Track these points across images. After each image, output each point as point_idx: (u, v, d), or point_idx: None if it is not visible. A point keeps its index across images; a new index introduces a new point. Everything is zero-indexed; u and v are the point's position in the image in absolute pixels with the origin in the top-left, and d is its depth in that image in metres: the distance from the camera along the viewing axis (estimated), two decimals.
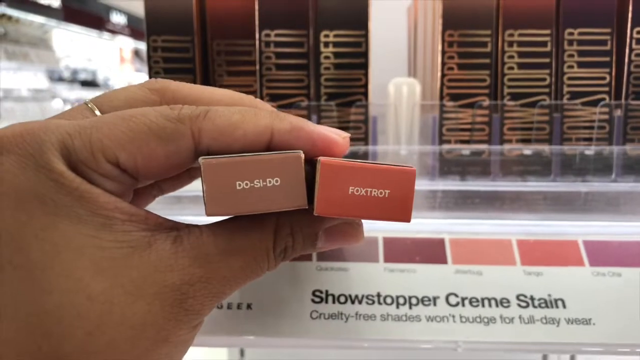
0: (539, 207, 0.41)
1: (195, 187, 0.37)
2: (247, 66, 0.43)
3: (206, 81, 0.43)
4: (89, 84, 3.23)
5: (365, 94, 0.43)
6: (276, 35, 0.42)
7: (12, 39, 2.28)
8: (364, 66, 0.43)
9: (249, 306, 0.35)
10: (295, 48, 0.42)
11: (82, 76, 3.17)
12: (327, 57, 0.43)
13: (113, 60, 3.48)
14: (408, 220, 0.23)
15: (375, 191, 0.22)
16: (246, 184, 0.20)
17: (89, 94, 3.30)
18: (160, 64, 0.43)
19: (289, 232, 0.24)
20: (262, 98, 0.43)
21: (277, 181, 0.20)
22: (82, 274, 0.19)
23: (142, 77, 4.00)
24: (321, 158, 0.21)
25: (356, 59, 0.43)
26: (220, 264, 0.21)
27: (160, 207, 0.41)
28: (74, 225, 0.19)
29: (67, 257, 0.19)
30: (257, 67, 0.43)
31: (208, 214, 0.20)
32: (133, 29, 3.56)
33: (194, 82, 0.43)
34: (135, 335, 0.19)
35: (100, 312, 0.19)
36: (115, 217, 0.20)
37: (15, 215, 0.18)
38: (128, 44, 3.59)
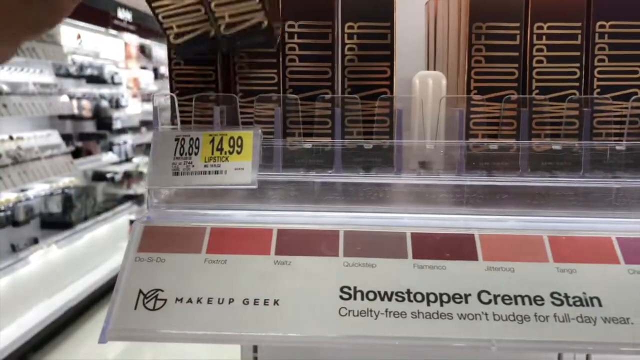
0: (570, 203, 0.40)
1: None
2: (268, 58, 0.42)
3: (227, 73, 0.43)
4: (95, 79, 3.23)
5: (390, 87, 0.42)
6: (300, 26, 0.42)
7: None
8: (389, 58, 0.42)
9: (276, 302, 0.34)
10: (319, 39, 0.42)
11: (89, 72, 3.16)
12: (351, 49, 0.42)
13: (119, 56, 3.47)
14: None
15: None
16: None
17: (95, 90, 3.29)
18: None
19: None
20: (284, 90, 0.42)
21: None
22: None
23: (148, 73, 3.99)
24: None
25: (381, 51, 0.42)
26: None
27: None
28: None
29: None
30: (280, 58, 0.42)
31: None
32: (139, 26, 3.56)
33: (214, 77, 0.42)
34: None
35: None
36: None
37: None
38: (134, 41, 3.59)
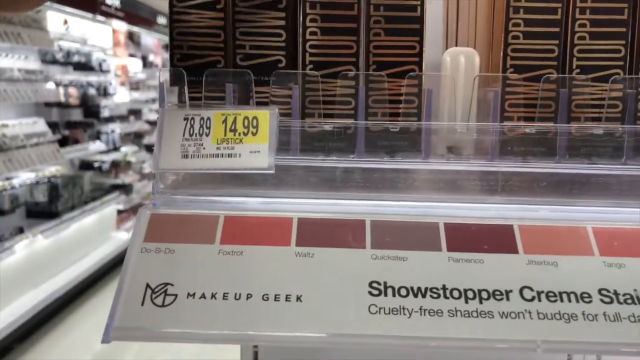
0: (613, 192, 0.37)
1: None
2: (275, 28, 0.38)
3: (232, 43, 0.39)
4: (83, 66, 3.15)
5: (419, 64, 0.39)
6: (322, 6, 0.38)
7: (5, 19, 2.20)
8: (419, 33, 0.38)
9: (298, 298, 0.31)
10: (343, 10, 0.38)
11: (76, 58, 3.08)
12: (377, 22, 0.38)
13: (107, 43, 3.39)
14: None
15: None
16: None
17: (82, 77, 3.21)
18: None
19: None
20: (304, 67, 0.39)
21: None
22: None
23: (136, 61, 3.91)
24: None
25: (410, 24, 0.38)
26: None
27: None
28: None
29: None
30: (300, 31, 0.38)
31: None
32: (128, 13, 3.47)
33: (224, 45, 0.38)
34: None
35: None
36: None
37: None
38: (122, 28, 3.50)
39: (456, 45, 0.51)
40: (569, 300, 0.31)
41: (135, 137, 3.69)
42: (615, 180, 0.37)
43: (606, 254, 0.33)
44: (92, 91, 3.21)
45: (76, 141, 3.07)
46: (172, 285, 0.31)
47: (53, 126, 2.82)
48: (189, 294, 0.31)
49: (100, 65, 3.31)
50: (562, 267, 0.33)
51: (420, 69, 0.39)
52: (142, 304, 0.31)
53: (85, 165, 3.11)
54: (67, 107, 3.03)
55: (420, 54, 0.38)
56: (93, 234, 2.96)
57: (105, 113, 3.29)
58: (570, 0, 0.38)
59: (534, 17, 0.38)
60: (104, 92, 3.34)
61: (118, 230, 3.21)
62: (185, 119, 0.36)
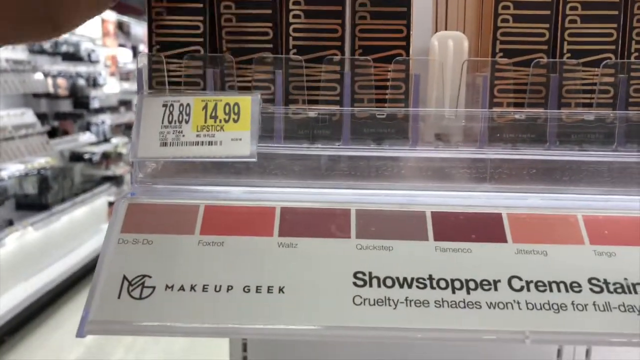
0: (604, 179, 0.36)
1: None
2: (263, 8, 0.37)
3: (213, 28, 0.37)
4: (71, 56, 3.10)
5: (407, 49, 0.37)
6: None
7: None
8: (406, 15, 0.37)
9: (281, 290, 0.30)
10: (328, 5, 0.37)
11: (64, 49, 3.04)
12: (362, 4, 0.37)
13: (96, 33, 3.34)
14: None
15: None
16: None
17: (71, 67, 3.17)
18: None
19: None
20: (287, 51, 0.37)
21: None
22: None
23: (126, 52, 3.87)
24: None
25: (396, 7, 0.37)
26: None
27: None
28: None
29: None
30: (283, 14, 0.37)
31: None
32: (117, 2, 3.42)
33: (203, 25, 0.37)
34: None
35: None
36: None
37: None
38: (111, 17, 3.46)
39: (446, 30, 0.50)
40: (559, 290, 0.31)
41: (126, 128, 3.66)
42: (606, 167, 0.36)
43: (596, 242, 0.33)
44: (81, 82, 3.17)
45: (66, 132, 3.04)
46: (149, 277, 0.30)
47: (42, 117, 2.79)
48: (167, 285, 0.30)
49: (89, 55, 3.27)
50: (552, 256, 0.32)
51: (408, 54, 0.37)
52: (119, 297, 0.29)
53: (76, 156, 3.08)
54: (56, 98, 3.00)
55: (407, 38, 0.37)
56: (84, 226, 2.94)
57: (95, 104, 3.26)
58: None
59: (524, 0, 0.37)
60: (94, 82, 3.30)
61: (109, 222, 3.19)
62: (164, 105, 0.35)
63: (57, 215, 2.70)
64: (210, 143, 0.34)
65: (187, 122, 0.34)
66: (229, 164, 0.36)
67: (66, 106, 3.16)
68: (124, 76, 3.74)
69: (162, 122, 0.34)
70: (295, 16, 0.37)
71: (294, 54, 0.37)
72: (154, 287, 0.30)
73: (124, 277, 0.30)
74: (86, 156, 3.11)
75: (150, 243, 0.32)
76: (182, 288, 0.30)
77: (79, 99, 3.16)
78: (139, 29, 4.09)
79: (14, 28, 0.30)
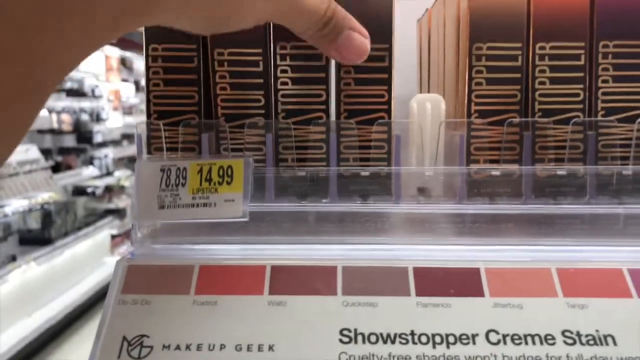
0: (576, 231, 0.38)
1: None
2: (254, 78, 0.40)
3: (207, 96, 0.40)
4: (75, 92, 3.17)
5: (388, 112, 0.40)
6: (292, 47, 0.39)
7: None
8: (387, 82, 0.40)
9: (270, 348, 0.32)
10: (312, 61, 0.39)
11: (68, 85, 3.10)
12: (347, 72, 0.40)
13: (99, 69, 3.42)
14: None
15: None
16: None
17: (75, 103, 3.23)
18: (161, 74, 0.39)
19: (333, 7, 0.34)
20: (275, 115, 0.40)
21: None
22: None
23: (129, 86, 3.94)
24: None
25: (378, 74, 0.40)
26: None
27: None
28: None
29: None
30: (272, 80, 0.40)
31: None
32: (120, 38, 3.51)
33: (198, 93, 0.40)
34: None
35: None
36: None
37: None
38: (115, 53, 3.54)
39: (428, 91, 0.53)
40: (534, 343, 0.32)
41: (129, 161, 3.71)
42: (579, 220, 0.39)
43: (569, 294, 0.34)
44: (85, 117, 3.23)
45: (69, 167, 3.08)
46: (147, 337, 0.32)
47: (46, 153, 2.83)
48: (164, 345, 0.32)
49: (93, 91, 3.33)
50: (527, 309, 0.34)
51: (389, 116, 0.40)
52: (119, 357, 0.31)
53: (79, 190, 3.12)
54: (60, 134, 3.05)
55: (389, 102, 0.40)
56: (87, 259, 2.95)
57: (98, 138, 3.31)
58: (530, 47, 0.40)
59: (495, 64, 0.39)
60: (97, 117, 3.36)
61: (112, 254, 3.20)
62: (162, 170, 0.37)
63: (60, 250, 2.72)
64: (205, 205, 0.36)
65: (183, 185, 0.37)
66: (223, 222, 0.38)
67: (70, 141, 3.21)
68: (127, 110, 3.81)
69: (160, 186, 0.37)
70: (283, 83, 0.40)
71: (282, 117, 0.40)
72: (151, 347, 0.32)
73: (124, 338, 0.32)
74: (89, 190, 3.15)
75: (149, 303, 0.34)
76: (178, 347, 0.32)
77: (83, 133, 3.22)
78: (141, 63, 4.17)
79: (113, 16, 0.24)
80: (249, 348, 0.32)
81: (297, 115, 0.40)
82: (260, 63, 0.39)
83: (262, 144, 0.40)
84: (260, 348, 0.32)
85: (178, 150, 0.39)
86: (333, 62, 0.40)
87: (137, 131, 0.39)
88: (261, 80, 0.40)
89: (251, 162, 0.37)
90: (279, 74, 0.40)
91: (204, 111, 0.40)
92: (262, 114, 0.40)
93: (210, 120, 0.40)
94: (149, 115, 0.39)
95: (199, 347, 0.32)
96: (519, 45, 0.39)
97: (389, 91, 0.40)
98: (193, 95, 0.39)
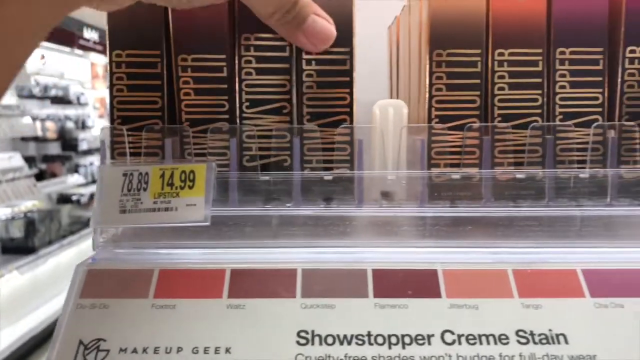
0: (534, 233, 0.39)
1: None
2: (218, 84, 0.40)
3: (171, 101, 0.40)
4: (60, 100, 3.15)
5: (350, 114, 0.41)
6: (256, 49, 0.40)
7: None
8: (349, 85, 0.40)
9: (227, 350, 0.32)
10: (277, 63, 0.40)
11: (53, 92, 3.09)
12: (309, 75, 0.40)
13: (85, 76, 3.40)
14: None
15: None
16: None
17: (60, 111, 3.21)
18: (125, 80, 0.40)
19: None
20: (241, 120, 0.40)
21: None
22: None
23: None
24: None
25: (340, 77, 0.40)
26: None
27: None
28: None
29: None
30: (237, 84, 0.40)
31: None
32: (105, 46, 3.50)
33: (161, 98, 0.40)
34: None
35: None
36: None
37: None
38: (101, 60, 3.53)
39: (397, 97, 0.54)
40: (488, 343, 0.33)
41: None
42: (537, 222, 0.39)
43: (525, 295, 0.35)
44: (70, 124, 3.21)
45: (54, 175, 3.06)
46: (104, 340, 0.32)
47: (30, 160, 2.81)
48: (121, 348, 0.32)
49: (78, 98, 3.32)
50: (483, 309, 0.34)
51: (352, 119, 0.41)
52: None
53: (63, 198, 3.09)
54: (45, 141, 3.03)
55: (350, 105, 0.40)
56: (72, 268, 2.93)
57: (83, 146, 3.29)
58: (489, 53, 0.40)
59: (455, 71, 0.40)
60: (82, 125, 3.34)
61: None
62: (124, 174, 0.37)
63: (44, 258, 2.69)
64: (166, 209, 0.36)
65: (145, 190, 0.37)
66: (186, 227, 0.38)
67: (55, 149, 3.19)
68: None
69: (122, 191, 0.37)
70: (248, 85, 0.40)
71: (245, 122, 0.40)
72: (108, 351, 0.32)
73: (80, 342, 0.32)
74: (74, 198, 3.12)
75: (107, 307, 0.34)
76: (135, 351, 0.32)
77: (68, 141, 3.20)
78: None
79: None
80: (205, 350, 0.32)
81: (262, 123, 0.41)
82: (225, 69, 0.40)
83: (227, 148, 0.40)
84: (217, 350, 0.32)
85: (141, 156, 0.39)
86: (294, 67, 0.40)
87: (101, 136, 0.39)
88: (225, 86, 0.40)
89: (214, 166, 0.38)
90: (243, 76, 0.40)
91: (169, 116, 0.40)
92: (226, 119, 0.40)
93: (174, 125, 0.40)
94: (112, 121, 0.39)
95: (156, 350, 0.32)
96: (478, 52, 0.40)
97: (351, 94, 0.40)
98: (157, 101, 0.40)
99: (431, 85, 0.40)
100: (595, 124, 0.41)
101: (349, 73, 0.40)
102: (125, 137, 0.39)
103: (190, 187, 0.37)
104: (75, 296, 0.34)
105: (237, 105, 0.40)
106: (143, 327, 0.33)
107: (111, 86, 0.39)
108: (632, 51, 0.40)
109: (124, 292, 0.34)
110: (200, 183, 0.37)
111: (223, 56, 0.40)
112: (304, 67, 0.40)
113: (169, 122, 0.40)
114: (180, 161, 0.39)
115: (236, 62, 0.40)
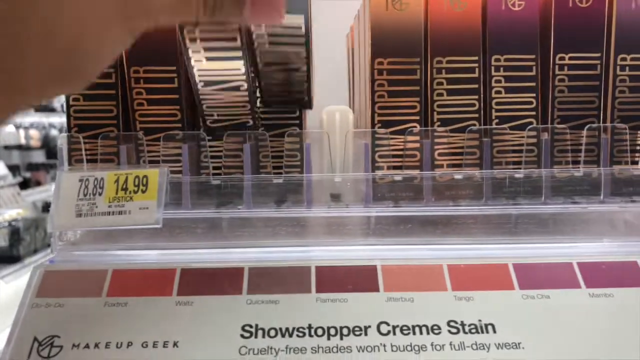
0: (470, 230, 0.41)
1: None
2: (170, 94, 0.42)
3: (126, 106, 0.42)
4: (44, 108, 3.15)
5: (300, 122, 0.43)
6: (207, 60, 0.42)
7: None
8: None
9: (175, 344, 0.34)
10: (230, 72, 0.42)
11: None
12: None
13: None
14: None
15: None
16: None
17: (44, 119, 3.21)
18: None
19: None
20: (192, 127, 0.43)
21: None
22: None
23: None
24: None
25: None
26: None
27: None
28: None
29: None
30: (183, 94, 0.42)
31: None
32: None
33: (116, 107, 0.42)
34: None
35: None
36: None
37: None
38: None
39: (353, 99, 0.56)
40: (420, 333, 0.35)
41: None
42: (473, 220, 0.42)
43: (457, 288, 0.37)
44: (54, 132, 3.21)
45: (38, 183, 3.05)
46: (58, 337, 0.34)
47: (13, 169, 2.80)
48: (73, 344, 0.34)
49: (62, 106, 3.32)
50: (418, 302, 0.37)
51: (302, 126, 0.43)
52: (29, 357, 0.33)
53: (48, 207, 3.08)
54: (28, 149, 3.02)
55: (300, 117, 0.43)
56: None
57: None
58: (428, 62, 0.43)
59: (396, 78, 0.42)
60: None
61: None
62: (80, 180, 0.39)
63: (29, 267, 2.68)
64: (120, 212, 0.38)
65: (100, 194, 0.39)
66: (140, 229, 0.40)
67: (39, 157, 3.18)
68: None
69: (78, 196, 0.39)
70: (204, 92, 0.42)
71: (203, 129, 0.42)
72: (61, 347, 0.34)
73: (35, 339, 0.34)
74: None
75: (62, 306, 0.35)
76: (87, 346, 0.34)
77: (52, 149, 3.19)
78: None
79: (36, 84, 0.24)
80: (154, 345, 0.34)
81: (218, 129, 0.43)
82: (176, 80, 0.42)
83: (179, 155, 0.42)
84: (165, 345, 0.34)
85: (97, 162, 0.41)
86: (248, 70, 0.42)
87: (58, 144, 0.41)
88: (177, 96, 0.42)
89: (167, 171, 0.40)
90: (199, 87, 0.42)
91: (124, 124, 0.42)
92: (179, 128, 0.42)
93: (129, 132, 0.42)
94: (69, 129, 0.41)
95: (107, 345, 0.34)
96: (417, 60, 0.43)
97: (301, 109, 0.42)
98: (112, 110, 0.42)
99: (373, 92, 0.43)
100: (530, 127, 0.43)
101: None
102: (82, 145, 0.41)
103: (144, 192, 0.39)
104: (32, 296, 0.36)
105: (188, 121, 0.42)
106: (96, 324, 0.35)
107: (67, 96, 0.41)
108: (561, 58, 0.43)
109: (79, 292, 0.36)
110: (152, 187, 0.39)
111: (174, 67, 0.42)
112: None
113: (125, 130, 0.42)
114: (134, 167, 0.41)
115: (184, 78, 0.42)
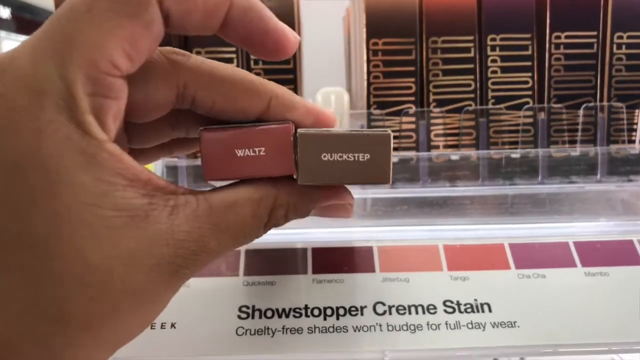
0: (467, 211, 0.41)
1: None
2: None
3: None
4: None
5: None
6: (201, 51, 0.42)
7: None
8: (294, 81, 0.42)
9: (172, 325, 0.34)
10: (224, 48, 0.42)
11: None
12: (257, 63, 0.42)
13: None
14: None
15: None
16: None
17: None
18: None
19: (283, 214, 0.26)
20: None
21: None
22: (82, 244, 0.19)
23: None
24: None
25: (286, 75, 0.42)
26: (212, 239, 0.23)
27: None
28: (74, 196, 0.19)
29: (68, 228, 0.19)
30: None
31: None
32: None
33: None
34: (136, 301, 0.21)
35: (102, 280, 0.19)
36: (117, 182, 0.19)
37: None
38: None
39: (351, 85, 0.56)
40: (416, 313, 0.35)
41: None
42: (469, 201, 0.42)
43: (453, 268, 0.37)
44: None
45: None
46: None
47: None
48: None
49: None
50: (413, 282, 0.37)
51: None
52: None
53: None
54: None
55: (294, 91, 0.42)
56: None
57: None
58: (423, 42, 0.43)
59: (391, 59, 0.42)
60: None
61: None
62: None
63: None
64: None
65: None
66: None
67: None
68: None
69: None
70: None
71: None
72: None
73: None
74: None
75: None
76: None
77: None
78: None
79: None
80: (152, 326, 0.34)
81: None
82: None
83: None
84: (162, 326, 0.34)
85: None
86: (244, 60, 0.42)
87: None
88: None
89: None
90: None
91: None
92: None
93: None
94: None
95: None
96: (412, 40, 0.42)
97: (295, 89, 0.42)
98: None
99: (369, 72, 0.42)
100: (526, 106, 0.43)
101: (294, 71, 0.42)
102: None
103: None
104: None
105: None
106: None
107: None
108: (557, 37, 0.43)
109: None
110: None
111: None
112: (252, 66, 0.42)
113: None
114: None
115: None
